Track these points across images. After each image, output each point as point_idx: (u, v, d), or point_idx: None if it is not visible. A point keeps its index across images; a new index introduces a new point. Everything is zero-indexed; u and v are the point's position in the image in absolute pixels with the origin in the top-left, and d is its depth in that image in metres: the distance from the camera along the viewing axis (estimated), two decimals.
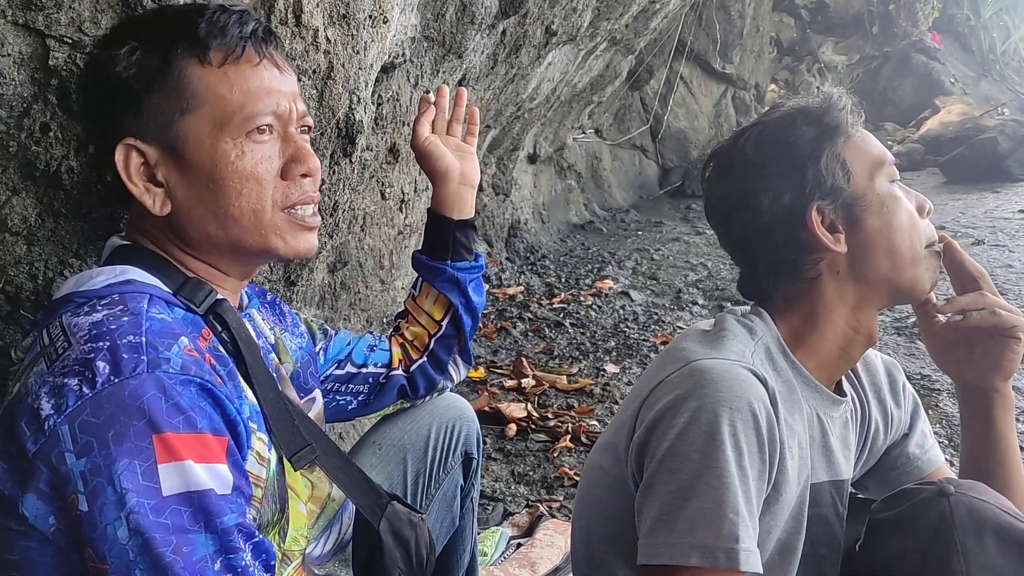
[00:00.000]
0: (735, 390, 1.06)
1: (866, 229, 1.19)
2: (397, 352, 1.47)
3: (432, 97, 1.52)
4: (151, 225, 1.05)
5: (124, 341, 0.88)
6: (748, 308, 1.27)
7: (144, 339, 0.89)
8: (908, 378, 1.41)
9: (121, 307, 0.93)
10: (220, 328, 1.03)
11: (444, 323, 1.47)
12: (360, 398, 1.44)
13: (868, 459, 1.37)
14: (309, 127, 1.10)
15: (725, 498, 1.02)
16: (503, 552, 2.04)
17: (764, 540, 1.12)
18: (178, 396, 0.86)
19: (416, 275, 1.52)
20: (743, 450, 1.05)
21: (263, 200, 1.03)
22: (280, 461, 1.04)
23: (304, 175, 1.06)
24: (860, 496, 1.33)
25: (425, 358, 1.47)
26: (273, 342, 1.19)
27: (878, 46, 9.96)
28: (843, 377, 1.29)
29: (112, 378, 0.85)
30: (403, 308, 1.53)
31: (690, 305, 4.26)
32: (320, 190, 1.69)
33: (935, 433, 1.57)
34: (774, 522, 1.15)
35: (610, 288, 4.53)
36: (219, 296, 1.05)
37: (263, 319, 1.21)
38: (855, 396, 1.32)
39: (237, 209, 1.02)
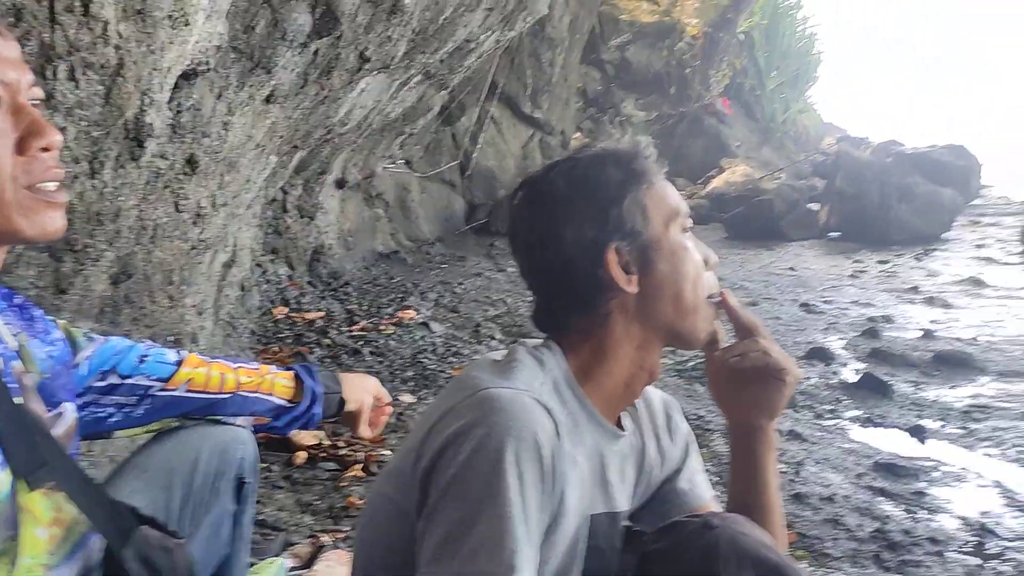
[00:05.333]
0: (522, 420, 1.07)
1: (656, 273, 1.24)
2: (190, 374, 1.37)
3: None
4: None
5: None
6: (540, 341, 1.30)
7: None
8: (684, 418, 1.48)
9: None
10: None
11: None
12: (125, 410, 1.32)
13: (644, 492, 1.42)
14: (40, 99, 1.00)
15: (506, 527, 1.02)
16: None
17: (541, 570, 1.13)
18: None
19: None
20: (526, 480, 1.05)
21: (2, 179, 0.92)
22: (14, 481, 0.93)
23: (44, 149, 0.96)
24: (635, 528, 1.38)
25: None
26: (16, 349, 1.08)
27: (674, 105, 10.68)
28: (623, 412, 1.34)
29: None
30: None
31: (488, 339, 4.33)
32: (102, 193, 1.58)
33: (708, 471, 1.67)
34: (552, 552, 1.16)
35: (411, 318, 4.52)
36: None
37: (5, 323, 1.09)
38: (634, 431, 1.37)
39: None
